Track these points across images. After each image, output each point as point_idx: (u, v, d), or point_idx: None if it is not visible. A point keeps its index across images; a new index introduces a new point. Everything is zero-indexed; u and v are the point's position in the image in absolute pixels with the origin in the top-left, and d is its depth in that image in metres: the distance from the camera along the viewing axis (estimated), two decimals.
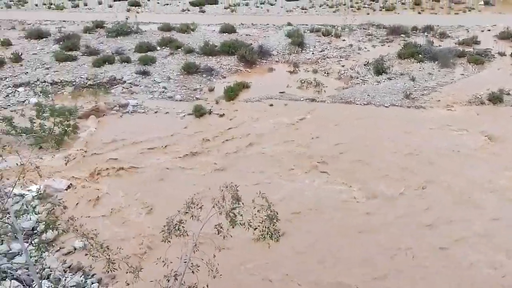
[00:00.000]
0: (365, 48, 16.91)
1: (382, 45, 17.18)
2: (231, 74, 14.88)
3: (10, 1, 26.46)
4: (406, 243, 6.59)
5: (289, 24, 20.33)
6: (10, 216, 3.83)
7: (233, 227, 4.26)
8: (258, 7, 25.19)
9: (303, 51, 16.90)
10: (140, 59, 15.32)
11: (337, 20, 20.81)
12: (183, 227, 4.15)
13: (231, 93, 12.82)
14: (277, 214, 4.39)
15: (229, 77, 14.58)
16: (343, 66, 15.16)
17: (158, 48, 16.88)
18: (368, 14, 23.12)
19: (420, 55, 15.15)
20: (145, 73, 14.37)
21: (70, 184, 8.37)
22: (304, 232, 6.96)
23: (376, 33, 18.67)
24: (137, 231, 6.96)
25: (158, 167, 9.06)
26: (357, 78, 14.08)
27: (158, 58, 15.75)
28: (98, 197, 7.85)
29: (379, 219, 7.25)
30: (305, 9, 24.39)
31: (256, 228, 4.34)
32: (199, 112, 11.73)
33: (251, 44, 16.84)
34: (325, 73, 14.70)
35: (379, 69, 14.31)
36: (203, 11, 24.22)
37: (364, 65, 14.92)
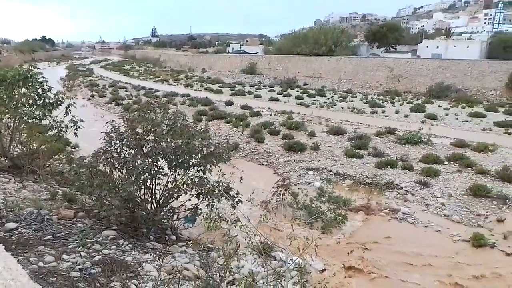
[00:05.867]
0: None
1: None
2: None
3: (324, 103, 32.45)
4: None
5: None
6: (283, 280, 4.34)
7: None
8: None
9: None
10: (423, 169, 14.96)
11: None
12: None
13: None
14: None
15: None
16: None
17: (446, 162, 16.04)
18: None
19: None
20: (424, 184, 13.85)
21: (325, 268, 8.73)
22: None
23: None
24: None
25: (415, 287, 8.17)
26: None
27: (443, 173, 14.90)
28: None
29: None
30: None
31: None
32: (478, 242, 10.02)
33: None
34: None
35: None
36: (509, 133, 21.44)
37: None
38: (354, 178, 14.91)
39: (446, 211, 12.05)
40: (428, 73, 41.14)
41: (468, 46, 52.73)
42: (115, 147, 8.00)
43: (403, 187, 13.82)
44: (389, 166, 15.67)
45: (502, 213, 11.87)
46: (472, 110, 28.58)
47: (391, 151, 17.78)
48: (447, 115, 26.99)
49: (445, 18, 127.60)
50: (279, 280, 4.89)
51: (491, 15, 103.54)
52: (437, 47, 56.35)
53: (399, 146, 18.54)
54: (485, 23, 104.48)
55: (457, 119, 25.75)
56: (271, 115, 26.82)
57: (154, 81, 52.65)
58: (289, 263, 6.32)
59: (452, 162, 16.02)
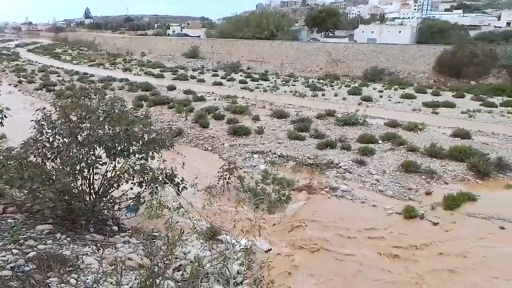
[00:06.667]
0: None
1: None
2: (455, 181, 13.38)
3: (267, 87, 32.80)
4: None
5: None
6: (228, 262, 4.41)
7: None
8: (504, 116, 22.34)
9: None
10: (360, 149, 15.81)
11: None
12: None
13: (452, 202, 11.40)
14: None
15: (452, 184, 13.14)
16: None
17: (380, 141, 17.07)
18: None
19: None
20: (361, 163, 14.65)
21: (271, 248, 9.00)
22: None
23: None
24: None
25: (354, 258, 8.72)
26: None
27: (378, 151, 15.85)
28: (291, 268, 8.11)
29: None
30: None
31: None
32: (409, 214, 10.88)
33: (488, 154, 14.86)
34: None
35: None
36: (436, 113, 23.30)
37: None
38: (297, 159, 15.35)
39: (381, 187, 12.89)
40: (364, 57, 43.07)
41: (400, 31, 55.80)
42: (47, 136, 7.52)
43: (342, 166, 14.51)
44: (329, 147, 16.34)
45: (430, 186, 12.96)
46: (404, 92, 30.57)
47: (331, 133, 18.52)
48: (381, 97, 28.58)
49: (380, 4, 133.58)
50: (225, 263, 4.96)
51: (420, 1, 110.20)
52: (372, 32, 58.99)
53: (338, 128, 19.36)
54: (415, 9, 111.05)
55: (390, 100, 27.38)
56: (215, 99, 26.60)
57: (89, 65, 49.66)
58: (235, 245, 6.44)
59: (386, 141, 17.09)
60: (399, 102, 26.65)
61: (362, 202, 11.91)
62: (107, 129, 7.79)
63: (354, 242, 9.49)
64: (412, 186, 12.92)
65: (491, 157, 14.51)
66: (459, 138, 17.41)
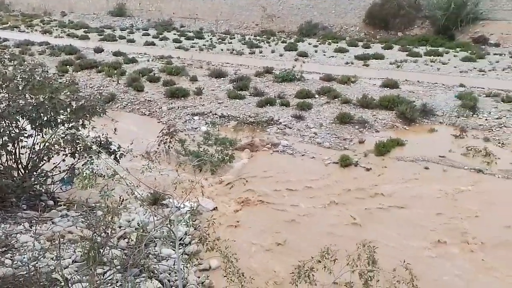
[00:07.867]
0: None
1: None
2: (385, 129, 14.34)
3: (203, 45, 31.78)
4: None
5: (461, 85, 18.62)
6: (173, 225, 4.41)
7: None
8: (427, 65, 23.94)
9: (474, 115, 15.15)
10: (298, 104, 16.17)
11: None
12: (313, 275, 4.02)
13: (383, 149, 12.28)
14: None
15: (382, 132, 14.08)
16: None
17: (316, 96, 17.56)
18: None
19: None
20: (299, 118, 15.06)
21: (216, 207, 9.17)
22: None
23: None
24: (263, 267, 7.09)
25: (296, 208, 9.18)
26: None
27: (315, 105, 16.35)
28: (235, 224, 8.37)
29: None
30: (483, 71, 21.96)
31: None
32: (345, 162, 11.57)
33: (414, 101, 16.00)
34: (499, 143, 12.80)
35: None
36: (367, 65, 24.32)
37: None
38: (238, 118, 15.38)
39: (319, 139, 13.45)
40: (298, 12, 42.99)
41: None
42: None
43: (282, 122, 14.82)
44: (268, 104, 16.51)
45: (363, 135, 13.77)
46: (337, 46, 31.25)
47: (270, 90, 18.64)
48: (316, 52, 29.03)
49: None
50: (169, 226, 4.97)
51: None
52: None
53: (277, 84, 19.51)
54: None
55: (324, 55, 27.94)
56: (148, 61, 25.28)
57: (0, 29, 44.29)
58: (181, 208, 6.44)
59: (321, 95, 17.61)
60: (333, 57, 27.30)
61: (302, 155, 12.39)
62: (29, 98, 7.16)
63: (295, 193, 9.94)
64: (346, 137, 13.63)
65: (417, 104, 15.65)
66: (388, 88, 18.43)
